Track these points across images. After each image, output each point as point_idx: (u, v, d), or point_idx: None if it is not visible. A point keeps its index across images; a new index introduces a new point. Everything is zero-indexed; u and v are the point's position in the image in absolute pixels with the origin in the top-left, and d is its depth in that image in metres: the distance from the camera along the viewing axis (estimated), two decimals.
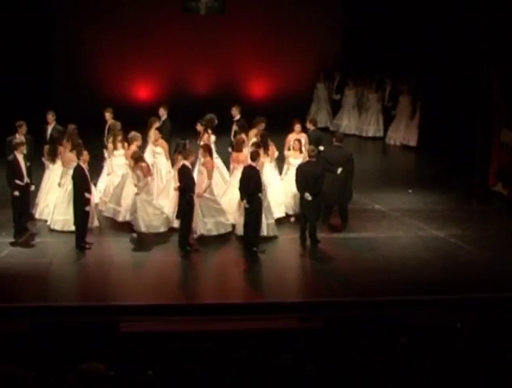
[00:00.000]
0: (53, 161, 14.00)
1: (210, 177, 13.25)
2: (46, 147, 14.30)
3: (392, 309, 10.92)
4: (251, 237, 12.90)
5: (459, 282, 11.91)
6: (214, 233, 13.36)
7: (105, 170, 14.78)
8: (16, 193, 13.08)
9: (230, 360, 8.15)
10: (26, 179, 13.24)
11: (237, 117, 15.68)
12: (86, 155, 12.94)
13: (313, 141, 14.49)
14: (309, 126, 15.05)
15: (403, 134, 20.17)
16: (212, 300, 11.60)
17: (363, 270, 12.30)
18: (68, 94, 21.11)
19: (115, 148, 14.28)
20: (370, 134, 21.02)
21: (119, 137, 14.30)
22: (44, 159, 14.20)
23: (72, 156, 13.46)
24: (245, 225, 12.95)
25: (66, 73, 21.62)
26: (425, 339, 8.98)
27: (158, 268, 12.44)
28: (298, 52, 22.37)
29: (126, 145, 14.25)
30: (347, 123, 21.37)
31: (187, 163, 12.81)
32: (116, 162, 14.26)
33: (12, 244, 13.08)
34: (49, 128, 14.92)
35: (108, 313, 10.85)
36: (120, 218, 13.75)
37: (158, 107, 15.83)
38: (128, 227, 13.56)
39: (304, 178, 12.98)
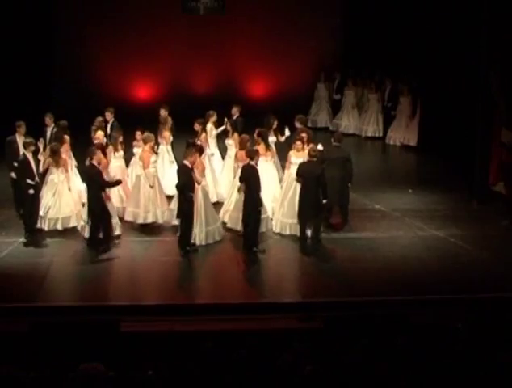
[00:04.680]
0: (57, 164, 13.40)
1: (202, 176, 13.20)
2: (48, 147, 13.83)
3: (391, 309, 10.91)
4: (251, 237, 12.90)
5: (459, 282, 11.90)
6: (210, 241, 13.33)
7: None
8: (31, 191, 12.92)
9: (230, 360, 8.15)
10: (36, 179, 13.11)
11: (235, 116, 15.71)
12: (98, 154, 12.85)
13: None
14: (297, 125, 14.86)
15: (403, 134, 20.18)
16: (212, 300, 11.58)
17: (363, 270, 12.29)
18: (68, 94, 21.13)
19: (116, 150, 14.09)
20: (369, 134, 21.03)
21: (120, 139, 14.23)
22: (39, 157, 13.43)
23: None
24: (245, 225, 12.96)
25: (66, 73, 21.67)
26: (425, 339, 8.97)
27: (158, 268, 12.42)
28: (298, 52, 22.41)
29: (124, 146, 14.22)
30: (347, 123, 21.40)
31: (187, 163, 12.81)
32: (116, 164, 14.08)
33: (25, 244, 13.01)
34: (48, 131, 14.88)
35: (108, 313, 10.84)
36: (140, 220, 13.69)
37: (159, 107, 15.85)
38: (148, 229, 13.67)
39: (304, 178, 12.98)
